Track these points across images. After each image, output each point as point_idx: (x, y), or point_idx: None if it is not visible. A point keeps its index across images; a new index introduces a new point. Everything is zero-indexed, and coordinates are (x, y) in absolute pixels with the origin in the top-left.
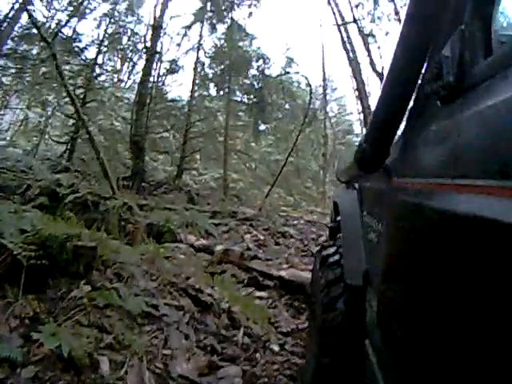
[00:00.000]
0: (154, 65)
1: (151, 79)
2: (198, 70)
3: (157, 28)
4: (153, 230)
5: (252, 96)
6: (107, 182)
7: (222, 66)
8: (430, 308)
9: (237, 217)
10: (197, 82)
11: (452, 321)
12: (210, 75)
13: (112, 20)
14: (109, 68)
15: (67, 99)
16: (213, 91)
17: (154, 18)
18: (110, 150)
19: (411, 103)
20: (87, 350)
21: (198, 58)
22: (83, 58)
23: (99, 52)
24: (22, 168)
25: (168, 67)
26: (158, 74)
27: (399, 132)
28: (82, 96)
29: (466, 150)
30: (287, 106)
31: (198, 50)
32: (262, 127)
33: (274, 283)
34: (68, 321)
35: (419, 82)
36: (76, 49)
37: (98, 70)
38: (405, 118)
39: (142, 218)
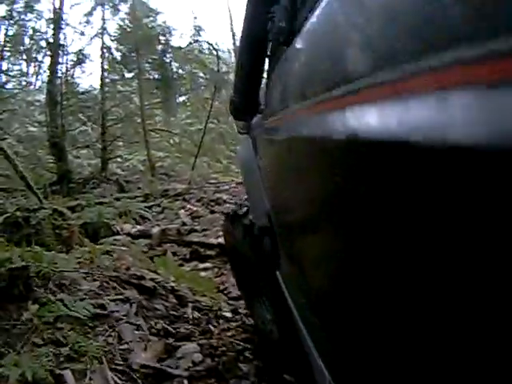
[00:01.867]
0: (60, 59)
1: (59, 75)
2: (106, 55)
3: (57, 20)
4: (88, 229)
5: (163, 71)
6: (33, 194)
7: (130, 47)
8: (312, 230)
9: (168, 194)
10: (105, 67)
11: (330, 237)
12: (119, 58)
13: (11, 21)
14: (15, 73)
15: None
16: (127, 75)
17: (54, 10)
18: (32, 158)
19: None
20: (48, 368)
21: (103, 43)
22: None
23: (2, 58)
24: None
25: (75, 59)
26: (66, 68)
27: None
28: None
29: (304, 77)
30: (201, 75)
31: (103, 34)
32: (179, 100)
33: (216, 252)
34: (25, 346)
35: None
36: None
37: (4, 78)
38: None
39: (74, 221)
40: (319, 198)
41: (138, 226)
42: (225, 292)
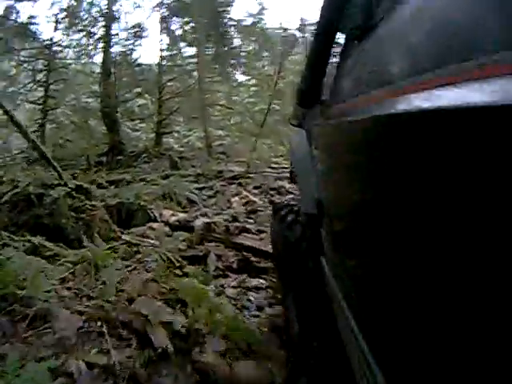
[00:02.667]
0: (116, 31)
1: (115, 47)
2: (163, 29)
3: None
4: (122, 210)
5: (224, 46)
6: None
7: (188, 20)
8: (368, 222)
9: (223, 176)
10: (163, 41)
11: (386, 231)
12: (178, 32)
13: None
14: (69, 43)
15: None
16: (185, 49)
17: None
18: (84, 128)
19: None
20: None
21: (161, 15)
22: (40, 39)
23: (56, 29)
24: None
25: (131, 31)
26: (122, 40)
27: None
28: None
29: (374, 70)
30: (266, 54)
31: (161, 7)
32: (242, 78)
33: (273, 264)
34: None
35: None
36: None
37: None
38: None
39: (102, 201)
40: (379, 182)
41: (180, 214)
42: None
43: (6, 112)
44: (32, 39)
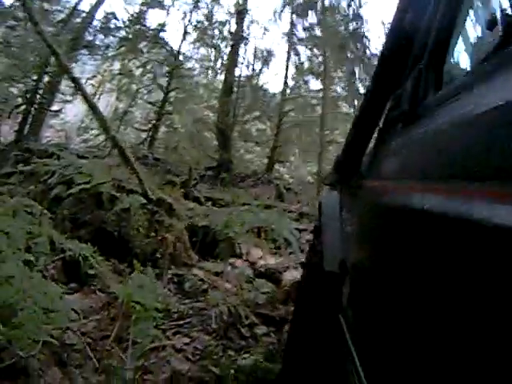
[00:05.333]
0: (242, 52)
1: (241, 67)
2: (291, 58)
3: (241, 12)
4: (207, 236)
5: (354, 82)
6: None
7: (318, 52)
8: (389, 291)
9: None
10: (289, 70)
11: (407, 297)
12: (306, 64)
13: (196, 10)
14: (195, 56)
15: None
16: (313, 84)
17: (238, 3)
18: (198, 139)
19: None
20: None
21: (290, 43)
22: (168, 48)
23: (183, 40)
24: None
25: (259, 55)
26: (248, 61)
27: (370, 146)
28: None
29: (414, 161)
30: None
31: (291, 35)
32: None
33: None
34: None
35: (387, 108)
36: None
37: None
38: (374, 137)
39: (180, 222)
40: (399, 262)
41: (270, 258)
42: None
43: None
44: (159, 46)
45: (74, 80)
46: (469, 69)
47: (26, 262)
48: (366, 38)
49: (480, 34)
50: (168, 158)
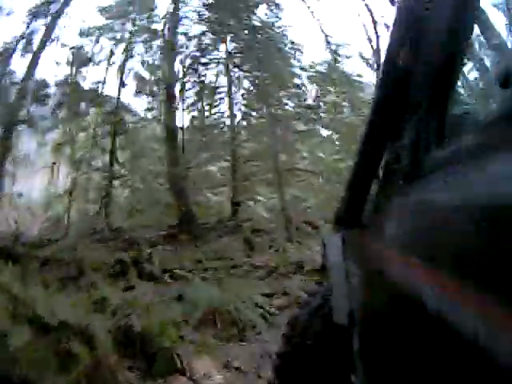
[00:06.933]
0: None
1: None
2: (234, 83)
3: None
4: (145, 343)
5: (302, 101)
6: None
7: (258, 74)
8: (398, 348)
9: (304, 271)
10: (234, 99)
11: (415, 353)
12: (248, 88)
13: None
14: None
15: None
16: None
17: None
18: (150, 196)
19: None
20: None
21: (228, 70)
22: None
23: (119, 93)
24: None
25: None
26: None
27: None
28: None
29: (416, 232)
30: (345, 103)
31: (226, 60)
32: (323, 133)
33: None
34: None
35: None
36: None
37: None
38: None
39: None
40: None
41: (219, 370)
42: None
43: None
44: (99, 103)
45: None
46: (477, 120)
47: None
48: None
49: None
50: (126, 225)
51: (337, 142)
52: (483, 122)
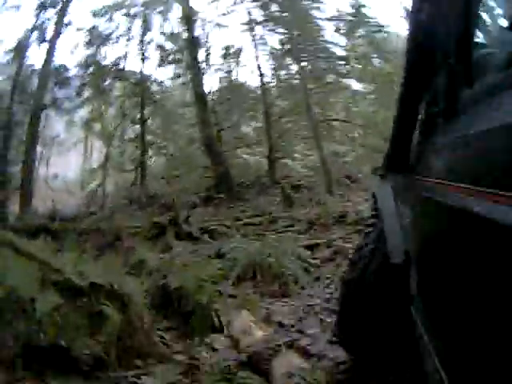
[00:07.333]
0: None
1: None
2: (258, 44)
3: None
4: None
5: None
6: None
7: (285, 34)
8: (452, 278)
9: (346, 221)
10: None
11: (471, 286)
12: (277, 48)
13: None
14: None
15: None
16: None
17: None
18: (190, 162)
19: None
20: None
21: (253, 31)
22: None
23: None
24: None
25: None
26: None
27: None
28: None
29: (459, 159)
30: (375, 54)
31: (251, 24)
32: (358, 87)
33: None
34: None
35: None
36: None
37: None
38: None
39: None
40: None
41: (259, 326)
42: None
43: None
44: (124, 79)
45: None
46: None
47: None
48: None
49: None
50: (164, 191)
51: (371, 96)
52: (503, 62)
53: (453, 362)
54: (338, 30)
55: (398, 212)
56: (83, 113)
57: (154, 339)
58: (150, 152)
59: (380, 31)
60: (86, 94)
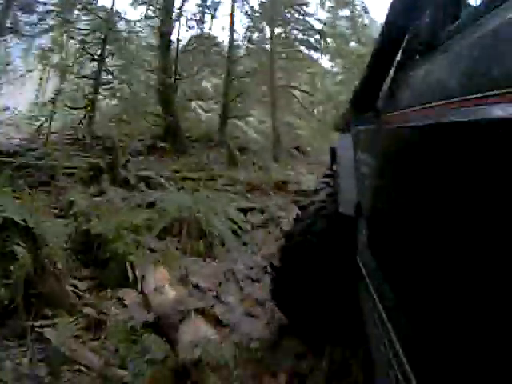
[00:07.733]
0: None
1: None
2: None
3: None
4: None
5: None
6: None
7: None
8: (406, 227)
9: (286, 189)
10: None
11: (422, 234)
12: (255, 7)
13: None
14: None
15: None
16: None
17: None
18: (141, 107)
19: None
20: None
21: None
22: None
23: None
24: None
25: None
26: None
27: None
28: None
29: (432, 86)
30: (353, 43)
31: None
32: (327, 64)
33: None
34: None
35: (405, 40)
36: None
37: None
38: (392, 71)
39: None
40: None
41: (174, 284)
42: None
43: None
44: (92, 12)
45: None
46: None
47: None
48: None
49: None
50: (110, 134)
51: (340, 77)
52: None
53: (400, 313)
54: (322, 4)
55: (356, 162)
56: (43, 42)
57: (66, 288)
58: (105, 93)
59: (366, 13)
60: (51, 22)
